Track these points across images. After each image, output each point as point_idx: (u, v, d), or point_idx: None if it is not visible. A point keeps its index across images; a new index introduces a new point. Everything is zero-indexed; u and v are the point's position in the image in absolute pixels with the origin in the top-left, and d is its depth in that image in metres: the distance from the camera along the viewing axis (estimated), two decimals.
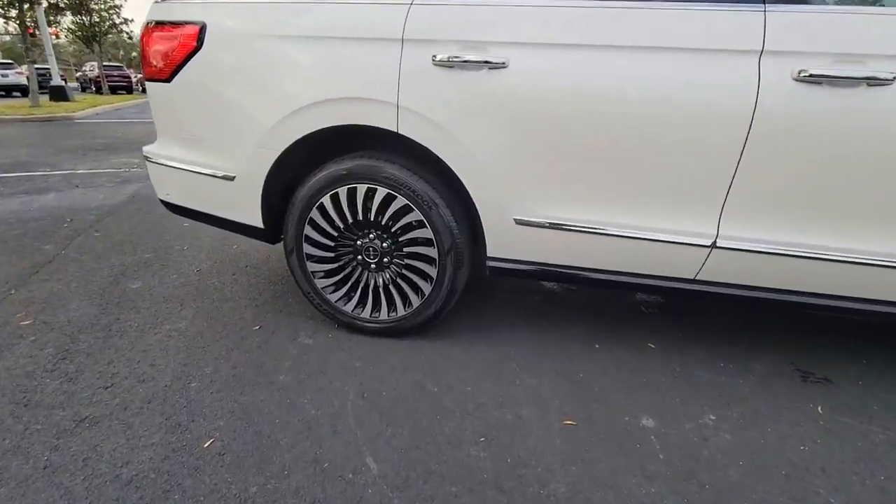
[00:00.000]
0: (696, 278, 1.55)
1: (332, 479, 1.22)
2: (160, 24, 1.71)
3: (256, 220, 1.84)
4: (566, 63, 1.39)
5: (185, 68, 1.69)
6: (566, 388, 1.60)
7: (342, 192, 1.69)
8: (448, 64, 1.45)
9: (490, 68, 1.43)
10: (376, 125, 1.55)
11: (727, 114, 1.32)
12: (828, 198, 1.34)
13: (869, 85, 1.23)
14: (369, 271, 1.81)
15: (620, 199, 1.48)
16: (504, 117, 1.46)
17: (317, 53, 1.55)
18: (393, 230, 1.71)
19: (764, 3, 1.29)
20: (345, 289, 1.85)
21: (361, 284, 1.84)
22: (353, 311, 1.86)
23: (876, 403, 1.57)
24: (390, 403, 1.51)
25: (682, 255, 1.50)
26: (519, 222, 1.58)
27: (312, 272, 1.84)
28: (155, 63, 1.74)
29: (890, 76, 1.21)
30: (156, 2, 1.77)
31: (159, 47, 1.72)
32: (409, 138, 1.54)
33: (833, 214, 1.36)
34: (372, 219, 1.71)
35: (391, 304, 1.82)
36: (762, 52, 1.28)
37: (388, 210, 1.68)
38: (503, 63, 1.41)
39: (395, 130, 1.54)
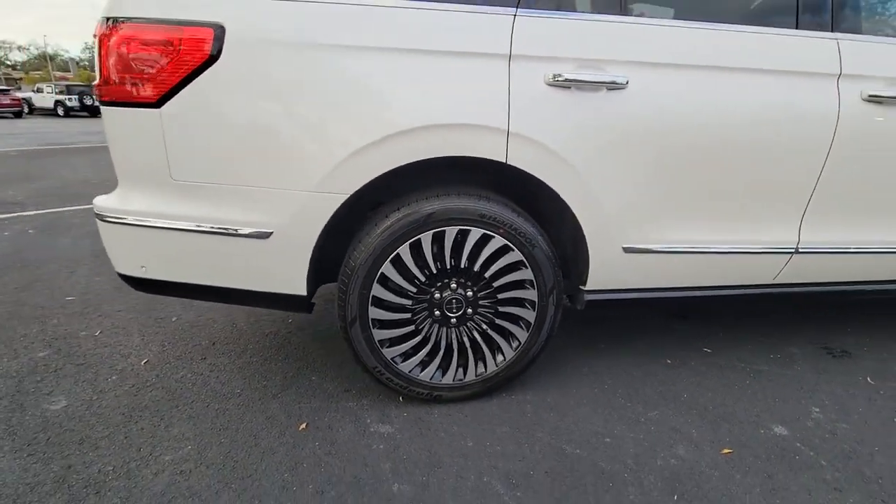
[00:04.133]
0: (774, 282, 1.66)
1: None
2: (141, 24, 1.17)
3: (297, 287, 1.39)
4: (683, 85, 1.35)
5: (188, 87, 1.19)
6: (685, 411, 1.55)
7: (426, 238, 1.37)
8: (564, 84, 1.28)
9: (609, 89, 1.31)
10: (481, 156, 1.30)
11: (805, 136, 1.43)
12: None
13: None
14: (448, 327, 1.52)
15: (737, 219, 1.50)
16: (623, 141, 1.35)
17: (406, 70, 1.23)
18: (486, 276, 1.46)
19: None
20: (421, 354, 1.52)
21: (444, 345, 1.52)
22: (430, 379, 1.53)
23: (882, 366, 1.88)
24: (549, 484, 1.26)
25: (767, 262, 1.59)
26: (628, 250, 1.48)
27: (380, 341, 1.46)
28: (129, 79, 1.19)
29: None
30: None
31: (141, 56, 1.17)
32: (519, 169, 1.33)
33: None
34: (463, 266, 1.43)
35: (479, 361, 1.55)
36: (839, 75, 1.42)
37: (483, 254, 1.43)
38: (624, 84, 1.31)
39: (504, 161, 1.31)
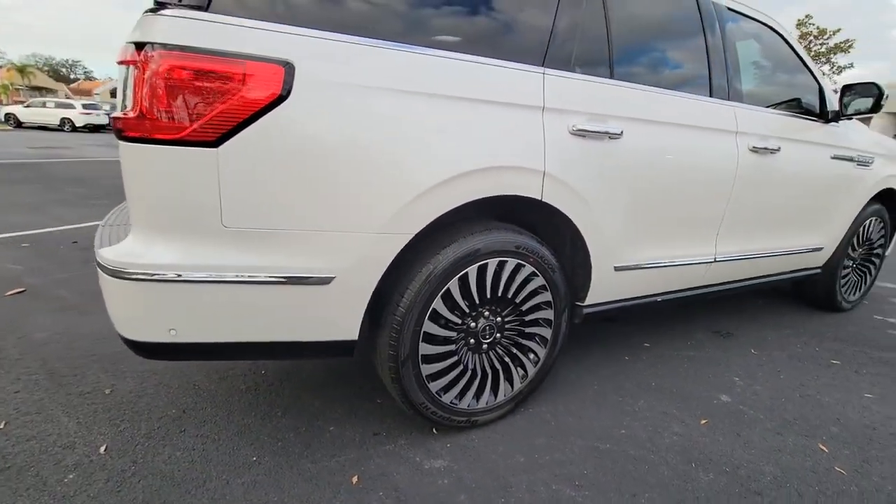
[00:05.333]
0: (704, 284, 2.15)
1: None
2: (196, 54, 1.02)
3: (351, 332, 1.33)
4: (654, 136, 1.71)
5: (252, 126, 1.08)
6: (660, 396, 1.90)
7: (472, 271, 1.45)
8: (581, 133, 1.52)
9: (610, 138, 1.59)
10: (523, 194, 1.45)
11: (719, 176, 1.94)
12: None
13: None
14: (481, 354, 1.60)
15: (683, 238, 1.91)
16: (619, 180, 1.64)
17: (463, 116, 1.31)
18: (516, 301, 1.59)
19: None
20: (461, 383, 1.56)
21: (479, 372, 1.60)
22: (468, 406, 1.59)
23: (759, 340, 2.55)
24: (604, 478, 1.44)
25: (699, 270, 2.06)
26: (617, 269, 1.78)
27: (427, 376, 1.47)
28: (178, 114, 1.03)
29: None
30: (151, 12, 1.04)
31: (196, 91, 1.03)
32: (551, 205, 1.51)
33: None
34: (500, 294, 1.54)
35: (507, 381, 1.67)
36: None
37: (514, 281, 1.56)
38: (619, 133, 1.60)
39: (539, 198, 1.48)
